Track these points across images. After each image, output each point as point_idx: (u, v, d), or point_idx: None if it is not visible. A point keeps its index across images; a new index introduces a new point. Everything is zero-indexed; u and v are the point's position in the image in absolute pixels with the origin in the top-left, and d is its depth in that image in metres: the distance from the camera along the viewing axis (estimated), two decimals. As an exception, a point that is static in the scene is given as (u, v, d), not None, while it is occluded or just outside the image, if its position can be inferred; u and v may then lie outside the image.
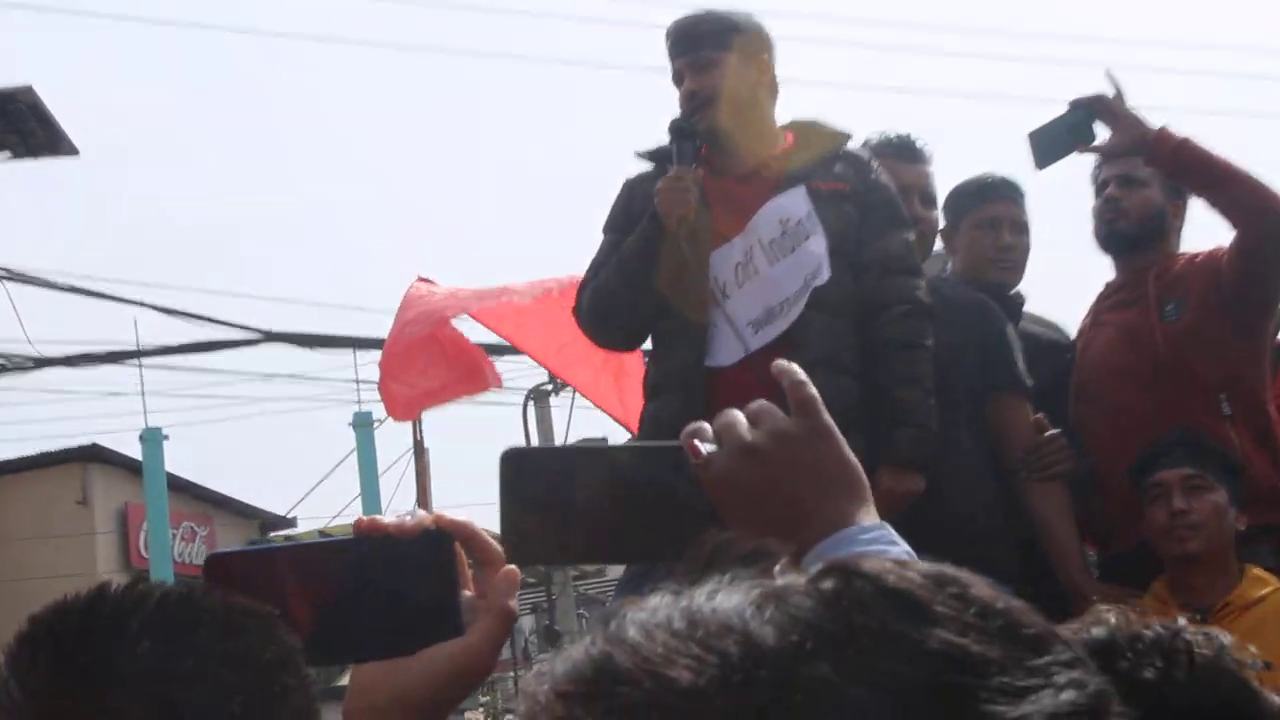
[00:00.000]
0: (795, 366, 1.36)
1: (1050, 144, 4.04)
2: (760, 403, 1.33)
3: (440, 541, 1.28)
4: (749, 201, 3.93)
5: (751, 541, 1.35)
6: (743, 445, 1.30)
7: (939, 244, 4.60)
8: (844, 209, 3.93)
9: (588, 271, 4.08)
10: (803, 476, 1.29)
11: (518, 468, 1.32)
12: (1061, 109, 4.02)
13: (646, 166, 4.10)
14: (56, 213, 36.51)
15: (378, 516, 1.29)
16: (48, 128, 14.02)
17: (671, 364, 3.89)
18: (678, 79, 4.02)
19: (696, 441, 1.31)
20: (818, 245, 3.85)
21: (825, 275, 3.84)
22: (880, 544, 1.25)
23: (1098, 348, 4.36)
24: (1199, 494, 3.88)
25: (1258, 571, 3.91)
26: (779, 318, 3.82)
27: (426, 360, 5.90)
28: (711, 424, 1.32)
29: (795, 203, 3.91)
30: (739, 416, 1.32)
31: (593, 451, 1.38)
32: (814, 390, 1.33)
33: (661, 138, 4.01)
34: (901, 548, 1.27)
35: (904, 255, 3.99)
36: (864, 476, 1.33)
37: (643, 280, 3.85)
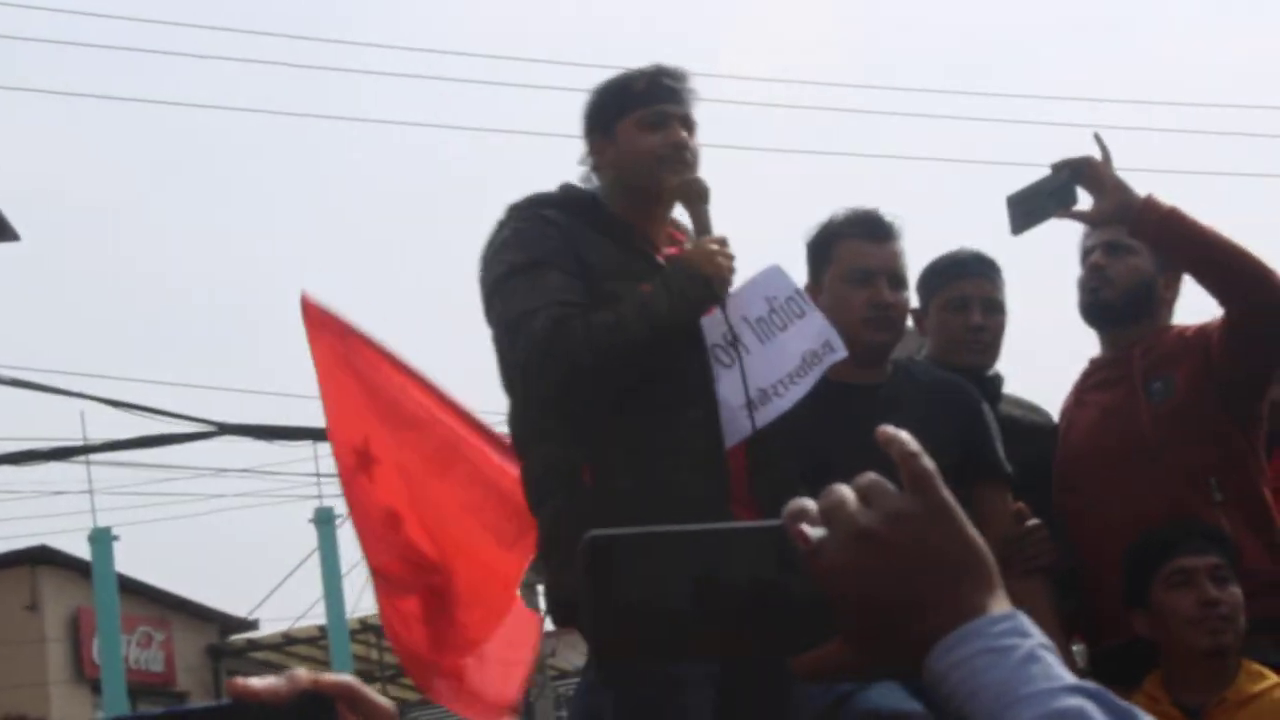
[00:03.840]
0: (905, 435, 1.22)
1: (1029, 208, 3.85)
2: (871, 478, 1.20)
3: (320, 706, 1.17)
4: None
5: (862, 639, 1.20)
6: (857, 530, 1.18)
7: (911, 325, 4.38)
8: None
9: (550, 307, 3.57)
10: (924, 563, 1.18)
11: (603, 557, 1.19)
12: (1043, 172, 3.84)
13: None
14: (-5, 301, 36.13)
15: (251, 680, 1.18)
16: (-14, 212, 13.77)
17: (676, 440, 3.58)
18: (660, 120, 3.78)
19: (804, 526, 1.19)
20: (817, 321, 3.73)
21: (843, 350, 3.72)
22: (1013, 636, 1.14)
23: (1081, 430, 4.17)
24: (1224, 585, 3.73)
25: (1255, 666, 3.76)
26: (773, 399, 3.67)
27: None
28: (818, 503, 1.20)
29: (780, 281, 3.79)
30: (848, 495, 1.20)
31: (684, 536, 1.23)
32: (930, 463, 1.20)
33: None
34: (1036, 639, 1.14)
35: None
36: (990, 559, 1.20)
37: (668, 338, 3.58)
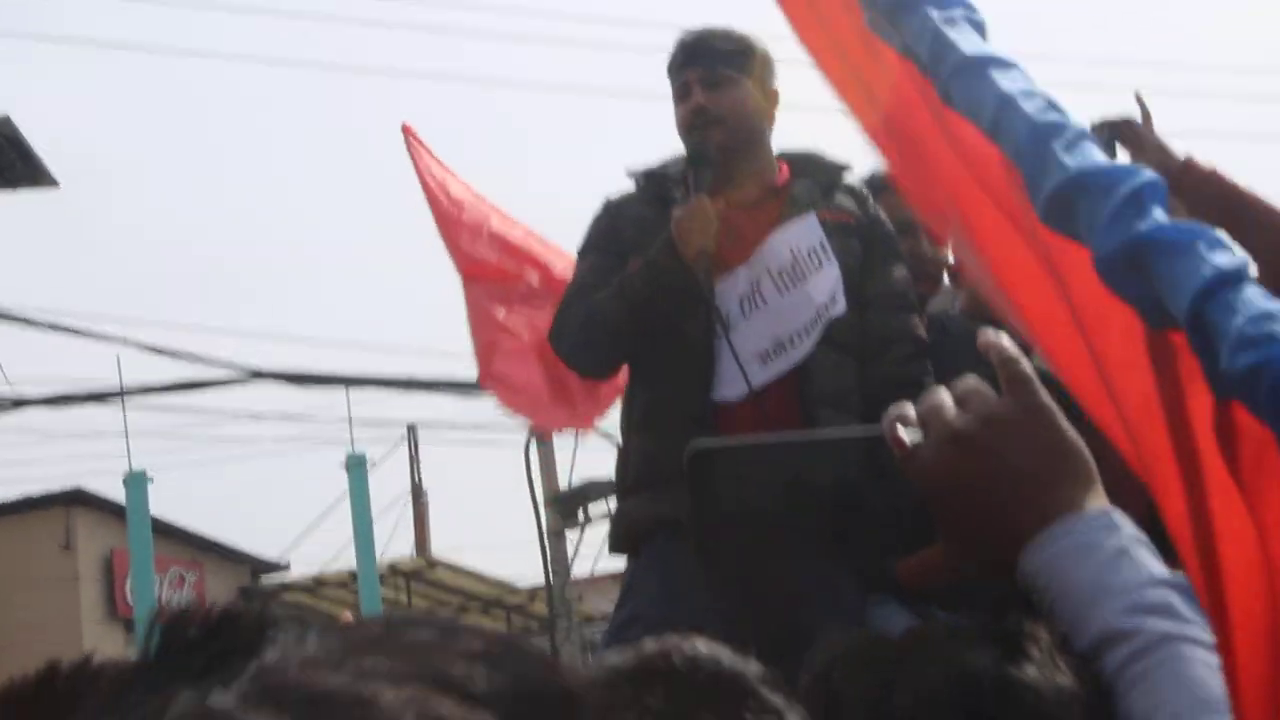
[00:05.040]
0: (1004, 339, 1.22)
1: None
2: (969, 381, 1.22)
3: None
4: (750, 231, 3.79)
5: (958, 541, 1.21)
6: (953, 432, 1.19)
7: (946, 280, 4.41)
8: (849, 242, 3.82)
9: (567, 294, 3.91)
10: (1021, 464, 1.18)
11: (703, 465, 1.23)
12: None
13: (628, 186, 3.98)
14: (35, 247, 36.32)
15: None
16: (26, 159, 13.85)
17: (672, 397, 3.70)
18: (683, 91, 3.88)
19: (900, 429, 1.21)
20: (830, 275, 3.75)
21: (841, 306, 3.73)
22: (1105, 531, 1.14)
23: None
24: None
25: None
26: (789, 349, 3.69)
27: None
28: (916, 407, 1.21)
29: (807, 231, 3.79)
30: (946, 398, 1.21)
31: (782, 446, 1.30)
32: (1028, 366, 1.21)
33: (643, 159, 3.95)
34: (1128, 532, 1.14)
35: (906, 291, 3.90)
36: (1088, 457, 1.20)
37: (648, 308, 3.69)
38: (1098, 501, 1.18)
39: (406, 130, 6.43)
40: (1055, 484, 1.18)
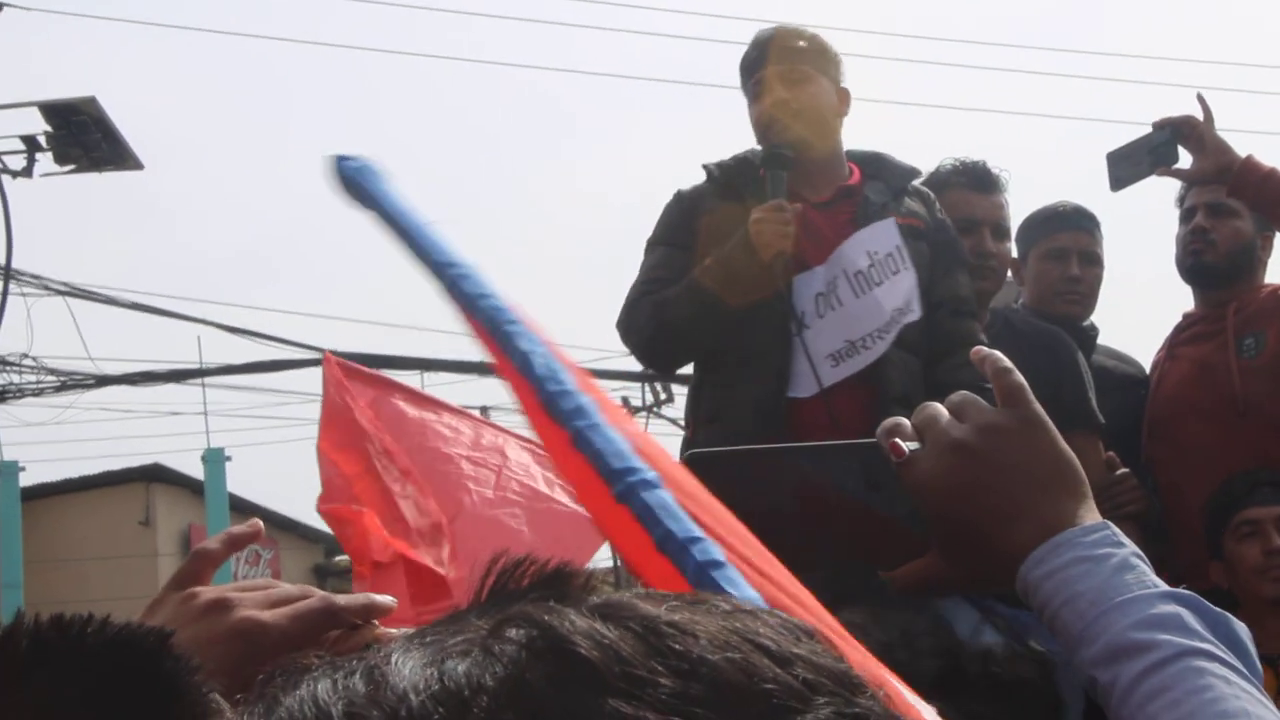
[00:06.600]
0: (997, 353, 1.26)
1: (1128, 166, 3.91)
2: (963, 394, 1.24)
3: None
4: (827, 229, 3.83)
5: (954, 551, 1.23)
6: (950, 442, 1.20)
7: (1009, 275, 4.46)
8: (919, 245, 3.86)
9: (638, 285, 3.93)
10: (1017, 474, 1.19)
11: (703, 474, 1.23)
12: (1144, 130, 3.89)
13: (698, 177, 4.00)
14: (119, 228, 36.73)
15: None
16: (112, 141, 14.01)
17: (743, 392, 3.75)
18: (757, 89, 3.92)
19: (897, 440, 1.22)
20: (908, 280, 3.79)
21: (917, 312, 3.78)
22: (1107, 545, 1.15)
23: (1172, 383, 4.22)
24: None
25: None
26: (861, 351, 3.73)
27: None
28: (911, 419, 1.23)
29: (885, 235, 3.82)
30: (941, 410, 1.23)
31: (779, 453, 1.31)
32: (1021, 378, 1.24)
33: (717, 153, 3.97)
34: (1130, 549, 1.16)
35: (969, 298, 3.95)
36: (1081, 471, 1.22)
37: (719, 308, 3.74)
38: (1092, 515, 1.19)
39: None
40: (1051, 495, 1.18)
